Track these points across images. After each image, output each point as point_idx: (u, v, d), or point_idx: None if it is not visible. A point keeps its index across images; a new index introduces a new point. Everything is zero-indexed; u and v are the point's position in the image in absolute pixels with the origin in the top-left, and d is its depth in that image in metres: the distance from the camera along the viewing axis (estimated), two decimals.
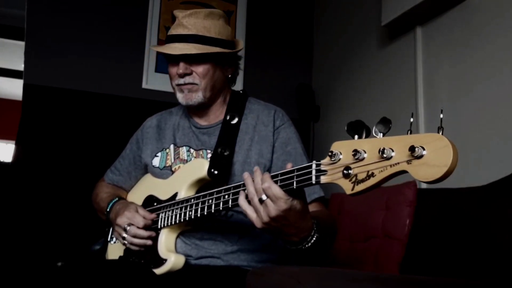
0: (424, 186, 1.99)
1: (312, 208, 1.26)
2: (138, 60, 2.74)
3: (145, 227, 1.28)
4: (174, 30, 1.33)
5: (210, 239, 1.29)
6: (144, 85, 2.72)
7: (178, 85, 1.35)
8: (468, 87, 1.84)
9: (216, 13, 1.36)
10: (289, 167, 0.96)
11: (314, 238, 1.02)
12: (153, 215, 1.30)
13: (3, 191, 2.39)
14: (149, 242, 1.28)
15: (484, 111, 1.75)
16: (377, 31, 2.47)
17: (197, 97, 1.35)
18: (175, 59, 1.33)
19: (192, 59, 1.31)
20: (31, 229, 2.35)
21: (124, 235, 1.28)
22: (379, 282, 0.93)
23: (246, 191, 1.01)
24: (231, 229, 1.29)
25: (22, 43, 2.61)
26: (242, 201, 1.01)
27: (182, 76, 1.33)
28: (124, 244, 1.32)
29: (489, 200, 1.32)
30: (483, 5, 1.80)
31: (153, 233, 1.28)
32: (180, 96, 1.36)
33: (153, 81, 2.73)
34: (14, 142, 2.59)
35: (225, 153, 1.31)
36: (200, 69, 1.32)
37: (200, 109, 1.41)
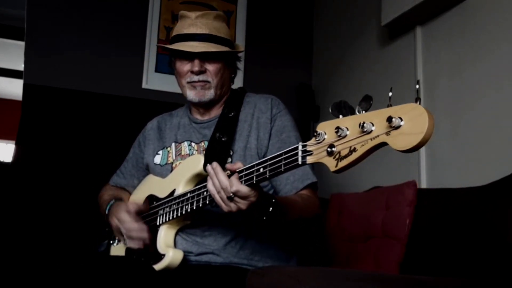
0: (424, 186, 1.99)
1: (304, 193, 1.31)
2: (138, 60, 2.74)
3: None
4: (186, 30, 1.36)
5: (210, 235, 1.30)
6: (144, 85, 2.72)
7: (190, 82, 1.37)
8: (468, 87, 1.84)
9: (221, 16, 1.43)
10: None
11: (270, 210, 1.09)
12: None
13: (3, 191, 2.39)
14: (145, 235, 1.29)
15: (484, 111, 1.75)
16: (377, 31, 2.47)
17: (210, 94, 1.38)
18: (190, 57, 1.35)
19: (207, 57, 1.36)
20: (31, 229, 2.35)
21: (122, 234, 1.33)
22: (379, 282, 0.93)
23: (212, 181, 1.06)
24: (230, 225, 1.30)
25: (22, 43, 2.61)
26: (210, 185, 1.07)
27: (197, 73, 1.35)
28: (124, 242, 1.34)
29: (489, 200, 1.32)
30: (483, 5, 1.80)
31: (144, 226, 1.30)
32: (191, 94, 1.39)
33: (153, 81, 2.73)
34: (14, 142, 2.59)
35: (223, 139, 1.33)
36: (213, 67, 1.36)
37: (206, 106, 1.44)
